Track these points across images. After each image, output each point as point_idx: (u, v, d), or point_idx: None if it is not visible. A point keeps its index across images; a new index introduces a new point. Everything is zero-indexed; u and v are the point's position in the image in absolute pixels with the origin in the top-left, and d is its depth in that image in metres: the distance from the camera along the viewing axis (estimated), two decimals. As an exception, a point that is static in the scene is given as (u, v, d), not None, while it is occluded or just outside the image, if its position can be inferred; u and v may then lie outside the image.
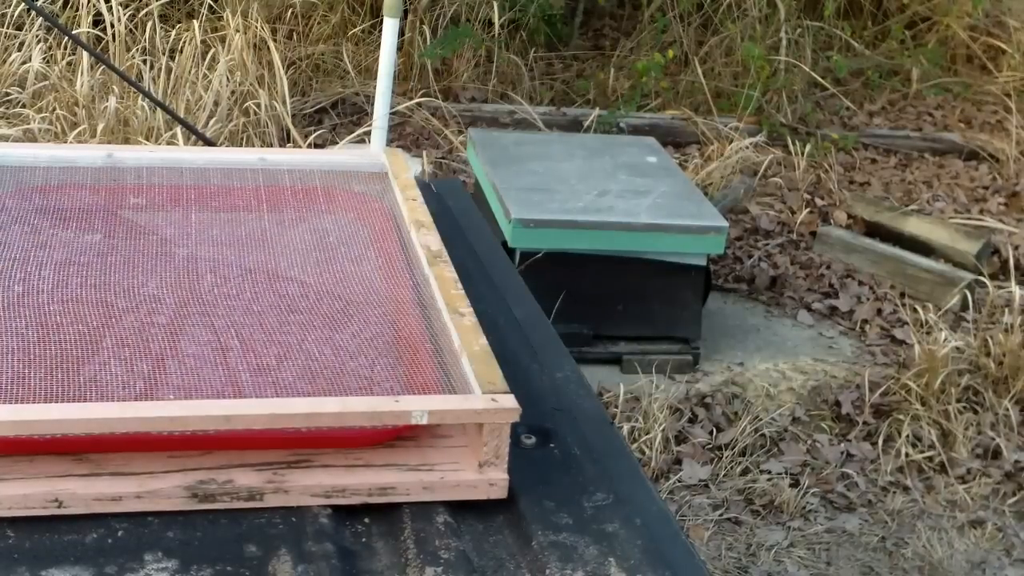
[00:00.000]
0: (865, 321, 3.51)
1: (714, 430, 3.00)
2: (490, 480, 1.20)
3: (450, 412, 1.19)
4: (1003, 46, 5.30)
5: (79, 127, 3.70)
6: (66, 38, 3.91)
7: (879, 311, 3.59)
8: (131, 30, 4.18)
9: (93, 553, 1.09)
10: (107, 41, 4.05)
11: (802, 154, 4.31)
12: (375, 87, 3.41)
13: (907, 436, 3.00)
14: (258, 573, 1.08)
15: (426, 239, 1.56)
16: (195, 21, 4.11)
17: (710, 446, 2.94)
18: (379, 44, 3.39)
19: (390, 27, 3.30)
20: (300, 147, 3.85)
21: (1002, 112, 4.96)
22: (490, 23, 4.73)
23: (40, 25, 4.06)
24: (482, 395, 1.21)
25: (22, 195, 1.61)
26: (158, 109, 3.66)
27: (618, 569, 1.12)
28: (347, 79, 4.50)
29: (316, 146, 3.98)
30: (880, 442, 3.01)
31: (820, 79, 4.76)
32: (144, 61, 4.04)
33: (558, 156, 3.45)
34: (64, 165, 1.69)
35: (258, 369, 1.28)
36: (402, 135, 4.28)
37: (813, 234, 3.92)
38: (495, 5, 4.69)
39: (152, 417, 1.13)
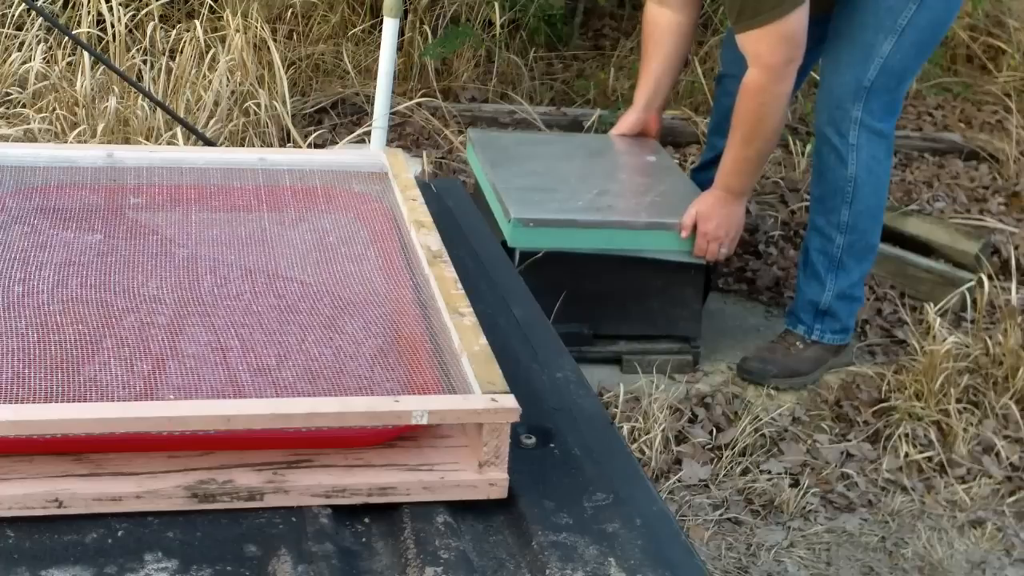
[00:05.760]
0: (865, 321, 3.51)
1: (714, 430, 3.00)
2: (490, 480, 1.20)
3: (450, 412, 1.20)
4: (1003, 46, 5.30)
5: (79, 127, 3.70)
6: (66, 38, 3.91)
7: (879, 311, 3.59)
8: (131, 30, 4.18)
9: (93, 553, 1.09)
10: (107, 41, 4.06)
11: (802, 154, 4.30)
12: (375, 87, 3.41)
13: (907, 436, 3.01)
14: (258, 573, 1.08)
15: (426, 239, 1.56)
16: (195, 21, 4.12)
17: (710, 446, 2.94)
18: (379, 44, 3.39)
19: (390, 27, 3.30)
20: (300, 147, 3.85)
21: (1002, 112, 4.96)
22: (490, 23, 4.73)
23: (40, 25, 4.06)
24: (482, 395, 1.21)
25: (22, 195, 1.61)
26: (158, 109, 3.66)
27: (618, 569, 1.12)
28: (347, 79, 4.50)
29: (316, 146, 3.98)
30: (880, 442, 3.01)
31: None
32: (144, 61, 4.05)
33: (558, 156, 3.45)
34: (64, 165, 1.69)
35: (258, 369, 1.28)
36: (402, 135, 4.28)
37: (813, 234, 3.92)
38: (495, 5, 4.69)
39: (152, 417, 1.13)
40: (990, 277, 3.55)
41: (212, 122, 3.82)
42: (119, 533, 1.12)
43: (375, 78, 3.41)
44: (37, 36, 4.05)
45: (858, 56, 3.03)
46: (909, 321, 3.44)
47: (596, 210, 3.10)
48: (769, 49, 2.86)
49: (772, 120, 2.96)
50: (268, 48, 4.11)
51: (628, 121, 3.49)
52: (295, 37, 4.65)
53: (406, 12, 4.61)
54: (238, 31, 4.05)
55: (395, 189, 1.72)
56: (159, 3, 4.28)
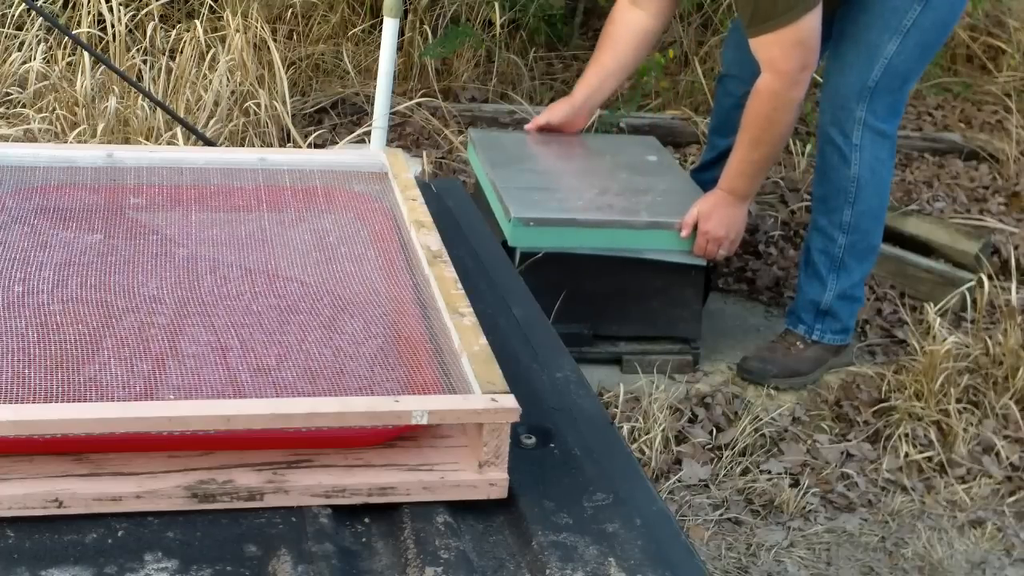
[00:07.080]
0: (865, 321, 3.51)
1: (714, 430, 3.00)
2: (490, 480, 1.20)
3: (450, 412, 1.20)
4: (1003, 46, 5.30)
5: (79, 127, 3.70)
6: (66, 38, 3.91)
7: (879, 311, 3.59)
8: (131, 30, 4.18)
9: (93, 553, 1.09)
10: (107, 41, 4.06)
11: (802, 154, 4.30)
12: (375, 87, 3.41)
13: (907, 436, 3.00)
14: (258, 573, 1.08)
15: (426, 239, 1.56)
16: (195, 21, 4.12)
17: (710, 446, 2.94)
18: (379, 44, 3.39)
19: (390, 27, 3.30)
20: (300, 147, 3.85)
21: (1002, 112, 4.96)
22: (490, 23, 4.73)
23: (40, 25, 4.06)
24: (482, 395, 1.21)
25: (22, 195, 1.61)
26: (158, 109, 3.66)
27: (618, 569, 1.12)
28: (347, 79, 4.50)
29: (316, 146, 3.98)
30: (880, 442, 3.01)
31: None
32: (144, 61, 4.05)
33: (558, 155, 3.45)
34: (64, 165, 1.69)
35: (258, 369, 1.28)
36: (402, 135, 4.28)
37: (813, 234, 3.91)
38: (495, 5, 4.69)
39: (152, 417, 1.13)
40: (990, 277, 3.55)
41: (212, 122, 3.82)
42: (119, 533, 1.12)
43: (375, 78, 3.41)
44: (37, 36, 4.05)
45: (863, 57, 3.03)
46: (909, 321, 3.44)
47: (596, 209, 3.10)
48: (783, 54, 2.86)
49: (782, 125, 2.96)
50: (268, 48, 4.11)
51: (559, 111, 3.43)
52: (295, 37, 4.65)
53: (406, 12, 4.61)
54: (238, 31, 4.05)
55: (395, 189, 1.72)
56: (159, 3, 4.28)
